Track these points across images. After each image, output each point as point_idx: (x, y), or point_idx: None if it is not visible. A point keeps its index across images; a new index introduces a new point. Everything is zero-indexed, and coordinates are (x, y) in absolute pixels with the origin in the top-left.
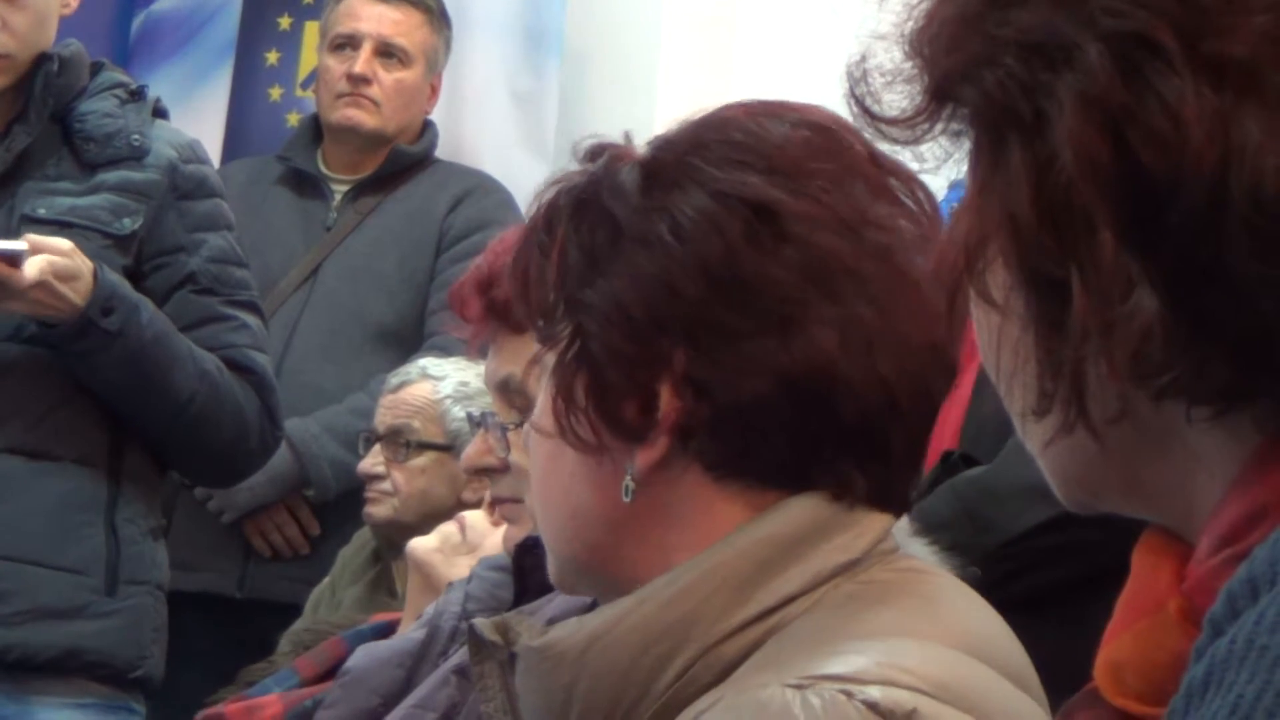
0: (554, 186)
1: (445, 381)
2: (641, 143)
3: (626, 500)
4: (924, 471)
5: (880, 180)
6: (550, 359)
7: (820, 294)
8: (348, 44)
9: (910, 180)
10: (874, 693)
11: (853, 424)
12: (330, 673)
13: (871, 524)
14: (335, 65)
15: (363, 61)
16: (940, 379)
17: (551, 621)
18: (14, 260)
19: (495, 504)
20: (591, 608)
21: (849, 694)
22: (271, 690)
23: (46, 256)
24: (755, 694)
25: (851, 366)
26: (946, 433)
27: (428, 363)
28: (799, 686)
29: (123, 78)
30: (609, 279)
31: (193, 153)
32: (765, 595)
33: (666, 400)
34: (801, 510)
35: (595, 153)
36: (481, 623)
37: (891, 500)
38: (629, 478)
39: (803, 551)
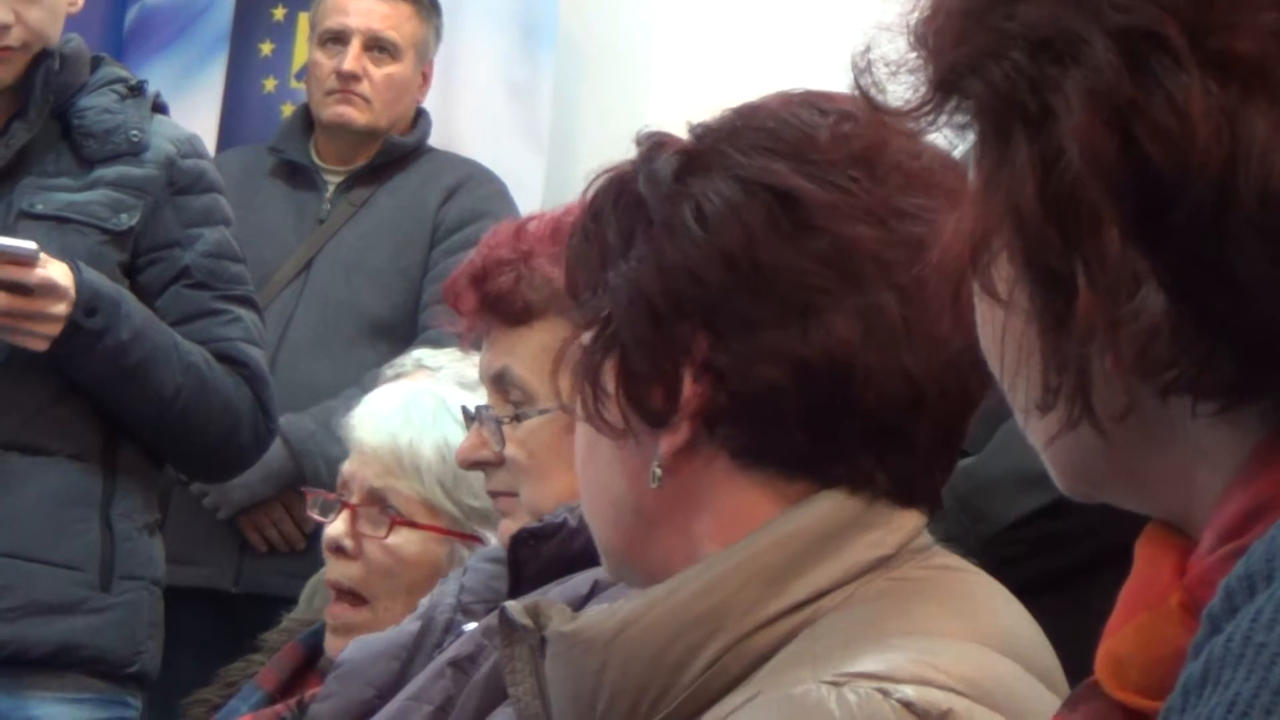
0: (603, 175)
1: (443, 373)
2: (682, 131)
3: (654, 487)
4: (953, 469)
5: (919, 172)
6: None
7: (843, 283)
8: (336, 39)
9: (956, 172)
10: (909, 691)
11: (873, 415)
12: (293, 680)
13: (905, 520)
14: (325, 61)
15: (352, 58)
16: (977, 376)
17: None
18: (26, 262)
19: (491, 497)
20: (585, 600)
21: (885, 692)
22: (240, 711)
23: (62, 267)
24: (791, 690)
25: (874, 357)
26: None
27: (423, 354)
28: (835, 684)
29: (122, 73)
30: (635, 264)
31: (191, 148)
32: (798, 588)
33: (688, 386)
34: (836, 504)
35: (643, 141)
36: (513, 606)
37: (915, 495)
38: (655, 464)
39: (837, 545)
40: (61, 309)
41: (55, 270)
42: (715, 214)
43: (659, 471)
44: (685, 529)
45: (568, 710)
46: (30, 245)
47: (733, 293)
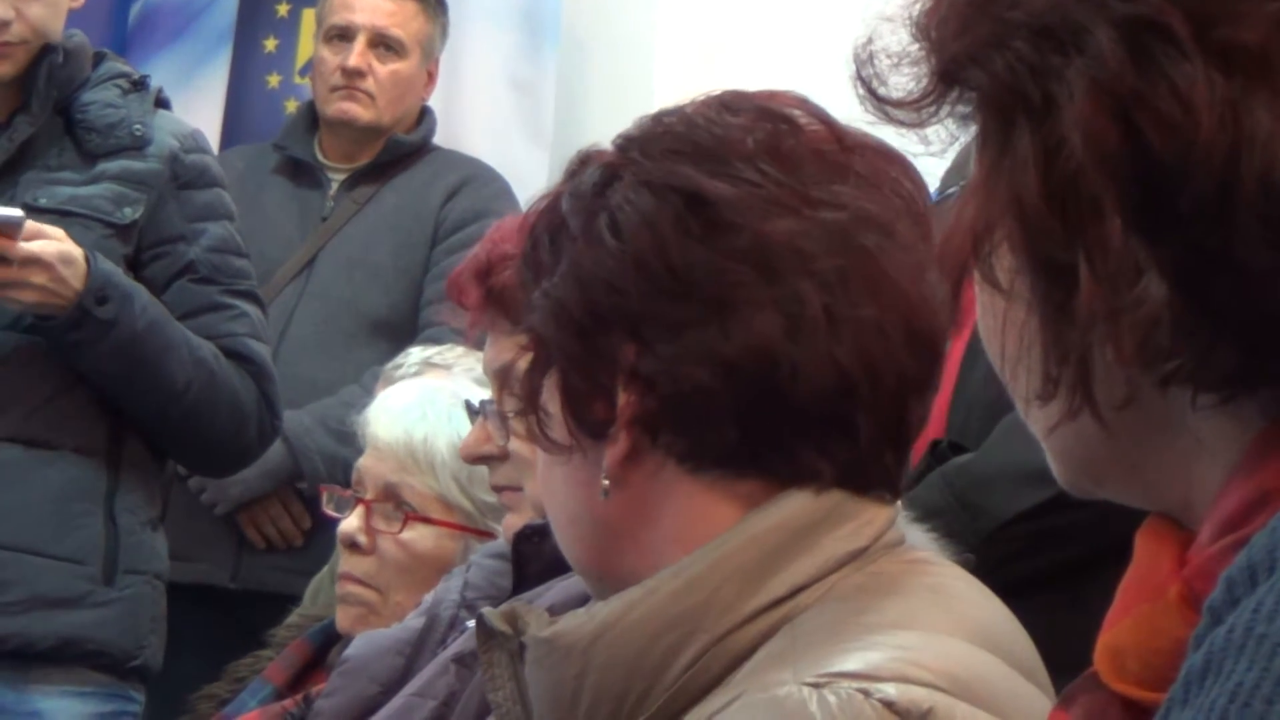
0: (542, 198)
1: (455, 369)
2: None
3: (603, 499)
4: (910, 453)
5: (842, 161)
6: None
7: (760, 278)
8: (342, 35)
9: (888, 159)
10: (890, 691)
11: (805, 407)
12: (302, 676)
13: (876, 514)
14: (330, 57)
15: (357, 54)
16: (915, 360)
17: (551, 610)
18: (11, 231)
19: (496, 492)
20: (589, 596)
21: (866, 692)
22: (248, 705)
23: (56, 243)
24: (772, 692)
25: (798, 349)
26: (932, 420)
27: (427, 351)
28: (816, 685)
29: (125, 68)
30: (557, 281)
31: (195, 142)
32: (775, 585)
33: (621, 396)
34: (806, 500)
35: (573, 160)
36: (490, 612)
37: (868, 483)
38: (603, 476)
39: (811, 541)
40: (40, 279)
41: (39, 243)
42: (627, 223)
43: (606, 483)
44: (644, 538)
45: (548, 715)
46: (17, 213)
47: (651, 298)
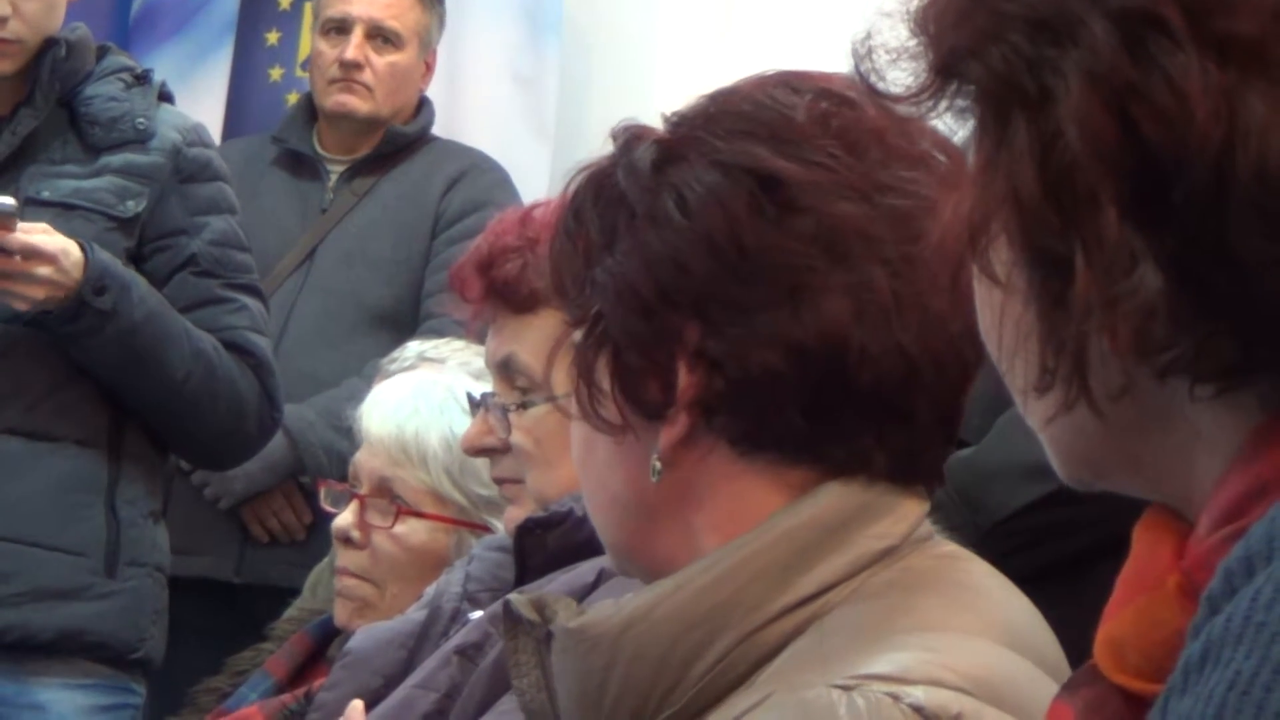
0: (582, 172)
1: (449, 364)
2: (659, 121)
3: (654, 481)
4: (955, 444)
5: (902, 145)
6: (576, 341)
7: (831, 262)
8: (339, 28)
9: (941, 144)
10: (919, 694)
11: (870, 393)
12: (303, 669)
13: (908, 509)
14: (327, 50)
15: (354, 47)
16: (972, 348)
17: None
18: (5, 221)
19: (497, 484)
20: (591, 589)
21: (895, 696)
22: (249, 698)
23: (60, 240)
24: (800, 694)
25: (867, 335)
26: None
27: (422, 346)
28: (845, 688)
29: (128, 62)
30: (620, 258)
31: (197, 136)
32: (805, 583)
33: (683, 376)
34: (840, 495)
35: (620, 134)
36: (517, 599)
37: (917, 473)
38: (655, 458)
39: (842, 538)
40: (45, 271)
41: (38, 237)
42: (697, 201)
43: (659, 465)
44: (686, 522)
45: (574, 705)
46: (9, 201)
47: (720, 279)
